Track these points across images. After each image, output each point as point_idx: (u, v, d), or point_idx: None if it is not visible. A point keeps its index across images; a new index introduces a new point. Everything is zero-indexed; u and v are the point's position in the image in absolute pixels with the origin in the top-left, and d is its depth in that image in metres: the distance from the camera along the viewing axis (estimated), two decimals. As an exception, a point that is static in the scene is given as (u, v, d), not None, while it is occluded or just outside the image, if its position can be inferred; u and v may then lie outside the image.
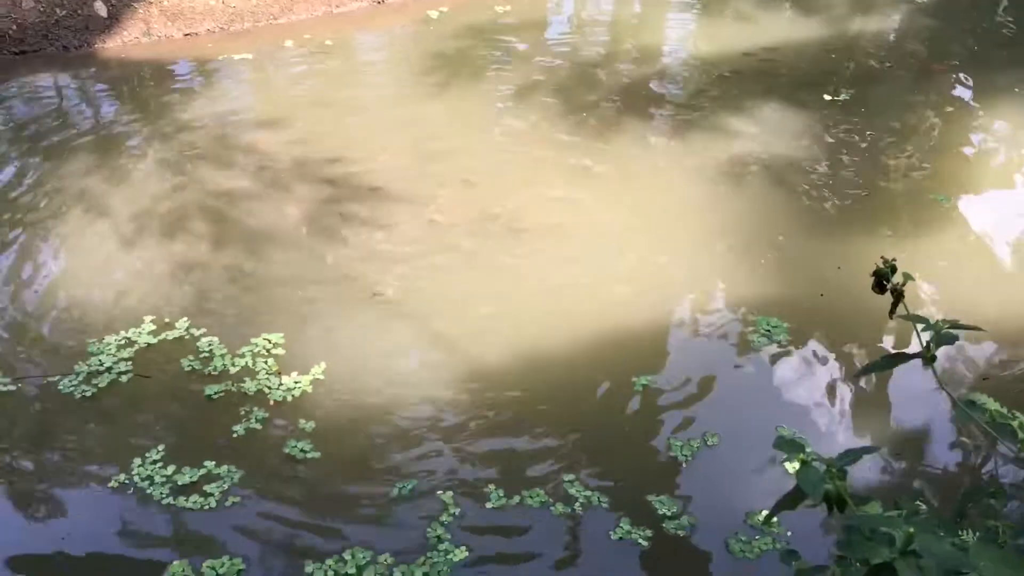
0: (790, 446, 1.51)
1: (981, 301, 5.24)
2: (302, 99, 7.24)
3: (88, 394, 4.45)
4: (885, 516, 1.39)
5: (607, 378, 4.63)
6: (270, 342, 4.75)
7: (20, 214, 5.74)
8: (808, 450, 1.58)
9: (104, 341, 4.73)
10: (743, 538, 3.83)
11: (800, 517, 3.75)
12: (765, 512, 3.90)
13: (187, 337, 4.78)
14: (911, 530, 1.28)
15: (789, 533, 3.85)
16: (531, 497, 3.97)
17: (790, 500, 1.50)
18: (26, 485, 4.04)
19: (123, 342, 4.73)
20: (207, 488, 4.00)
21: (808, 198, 6.15)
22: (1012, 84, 7.77)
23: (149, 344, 4.73)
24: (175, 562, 3.67)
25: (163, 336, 4.78)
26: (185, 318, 4.90)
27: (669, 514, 3.92)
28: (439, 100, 7.27)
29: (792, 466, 4.10)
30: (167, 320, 4.90)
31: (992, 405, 1.79)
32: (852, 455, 1.51)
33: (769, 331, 4.91)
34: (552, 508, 3.93)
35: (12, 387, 4.48)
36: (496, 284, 5.27)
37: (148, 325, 4.84)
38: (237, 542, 3.81)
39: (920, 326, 1.75)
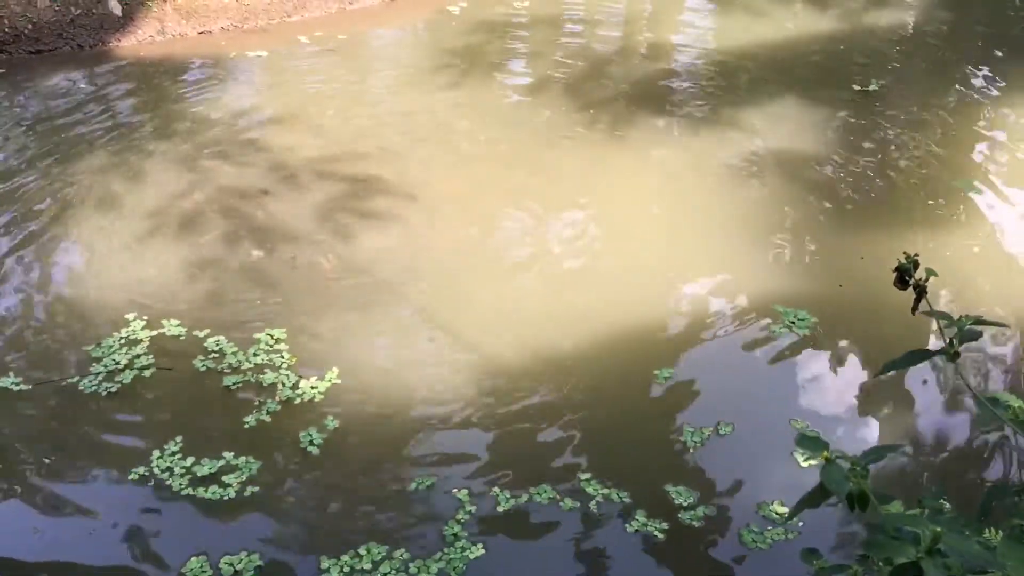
0: (813, 444, 1.50)
1: (1005, 292, 5.22)
2: (317, 96, 7.24)
3: (113, 390, 4.45)
4: (910, 515, 1.37)
5: (628, 372, 4.62)
6: (272, 337, 4.74)
7: (34, 213, 5.76)
8: (831, 448, 1.57)
9: (116, 338, 4.72)
10: (755, 528, 3.82)
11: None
12: (777, 503, 3.90)
13: (201, 334, 4.77)
14: (938, 529, 1.26)
15: (800, 524, 3.83)
16: (542, 494, 3.95)
17: (813, 498, 1.49)
18: (51, 483, 4.05)
19: (137, 340, 4.73)
20: (225, 479, 4.02)
21: (829, 191, 6.13)
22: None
23: (164, 341, 4.74)
24: (193, 558, 3.68)
25: (177, 333, 4.78)
26: (199, 315, 4.91)
27: (685, 505, 3.92)
28: (453, 97, 7.25)
29: (805, 459, 4.09)
30: (180, 318, 4.89)
31: (1015, 402, 1.76)
32: (876, 453, 1.49)
33: (793, 323, 4.89)
34: (568, 504, 3.91)
35: (27, 386, 4.49)
36: (512, 281, 5.26)
37: (162, 323, 4.85)
38: (254, 535, 3.81)
39: (943, 322, 1.73)
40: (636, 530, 3.82)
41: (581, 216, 5.81)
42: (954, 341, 1.70)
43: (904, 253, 1.74)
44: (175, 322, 4.85)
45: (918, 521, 1.32)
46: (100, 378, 4.51)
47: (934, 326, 1.80)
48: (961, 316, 1.71)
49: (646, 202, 6.00)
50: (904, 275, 1.74)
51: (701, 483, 4.04)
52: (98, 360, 4.59)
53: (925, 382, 4.57)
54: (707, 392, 4.52)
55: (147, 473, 4.04)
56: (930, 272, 1.74)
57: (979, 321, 1.71)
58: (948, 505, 1.62)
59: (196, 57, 7.85)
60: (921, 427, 4.39)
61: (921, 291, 1.74)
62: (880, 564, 1.53)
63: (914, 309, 1.78)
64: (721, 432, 4.27)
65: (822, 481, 1.41)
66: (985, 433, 4.23)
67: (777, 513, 3.88)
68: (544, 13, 8.94)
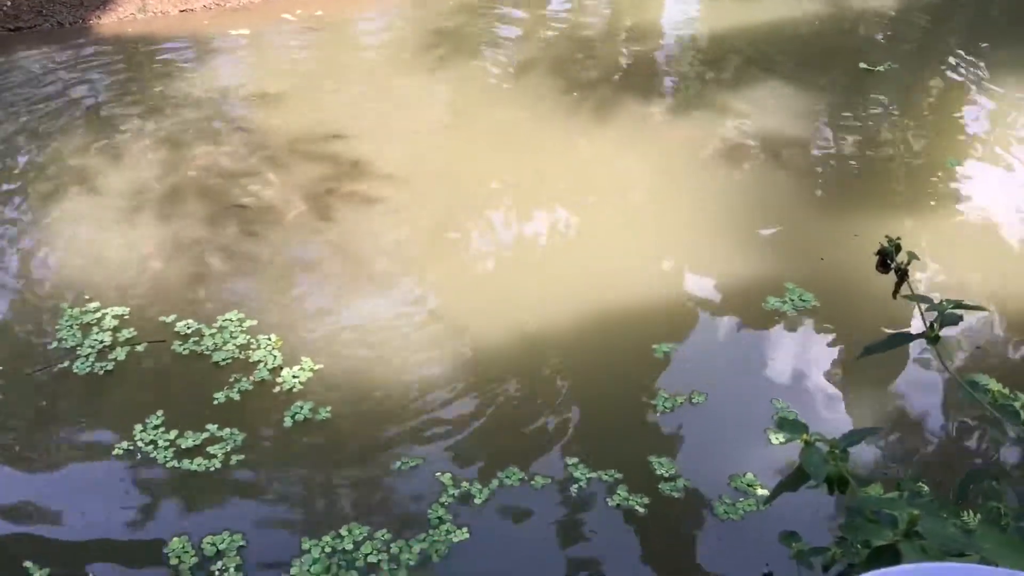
0: (792, 427, 1.50)
1: (993, 270, 5.29)
2: (300, 75, 7.18)
3: (109, 368, 4.43)
4: (888, 498, 1.37)
5: (618, 349, 4.64)
6: (252, 319, 4.71)
7: (11, 192, 5.70)
8: (811, 431, 1.57)
9: (94, 318, 4.69)
10: (727, 500, 3.86)
11: (781, 476, 3.83)
12: (749, 475, 3.96)
13: (179, 317, 4.73)
14: (915, 512, 1.27)
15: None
16: (526, 476, 3.95)
17: (792, 481, 1.49)
18: (40, 465, 4.05)
19: (117, 321, 4.69)
20: (210, 450, 4.03)
21: (822, 171, 6.17)
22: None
23: (145, 323, 4.71)
24: (175, 538, 3.67)
25: (158, 314, 4.76)
26: (180, 296, 4.88)
27: (666, 476, 3.96)
28: (437, 77, 7.21)
29: (775, 436, 4.13)
30: (161, 298, 4.87)
31: (995, 386, 1.76)
32: (855, 436, 1.49)
33: (791, 301, 4.90)
34: (554, 484, 3.92)
35: (11, 372, 4.46)
36: (500, 263, 5.25)
37: (142, 304, 4.82)
38: (236, 514, 3.82)
39: (924, 306, 1.73)
40: (618, 504, 3.84)
41: (570, 198, 5.79)
42: (935, 325, 1.70)
43: (886, 236, 1.74)
44: (158, 303, 4.83)
45: (896, 504, 1.32)
46: (92, 359, 4.48)
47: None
48: (942, 300, 1.71)
49: (635, 184, 5.98)
50: (886, 258, 1.74)
51: (681, 454, 4.09)
52: (80, 344, 4.55)
53: (906, 362, 4.61)
54: (696, 366, 4.55)
55: (132, 448, 4.04)
56: (911, 256, 1.74)
57: (960, 305, 1.72)
58: (926, 488, 1.62)
59: (177, 35, 7.77)
60: (903, 409, 4.42)
61: (903, 274, 1.74)
62: (858, 547, 1.54)
63: (895, 292, 1.79)
64: (694, 401, 4.33)
65: (801, 464, 1.42)
66: (975, 422, 4.26)
67: (748, 485, 3.93)
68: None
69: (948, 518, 1.44)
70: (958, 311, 1.72)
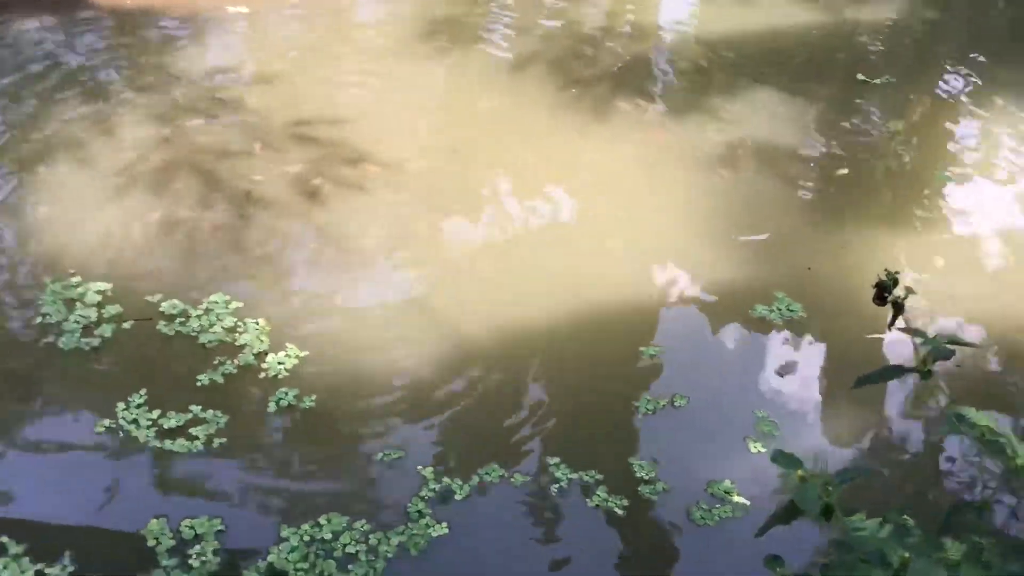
0: (787, 461, 1.52)
1: (980, 289, 5.34)
2: (298, 55, 7.13)
3: (96, 344, 4.41)
4: (879, 537, 1.39)
5: (608, 348, 4.67)
6: (239, 302, 4.67)
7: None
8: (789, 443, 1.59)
9: (82, 294, 4.66)
10: (704, 506, 3.89)
11: (757, 486, 3.95)
12: (727, 482, 3.99)
13: (163, 297, 4.70)
14: (906, 555, 1.28)
15: (748, 503, 3.89)
16: (498, 473, 3.97)
17: (785, 515, 1.51)
18: (21, 440, 4.05)
19: (100, 297, 4.66)
20: (192, 431, 4.02)
21: (813, 181, 6.19)
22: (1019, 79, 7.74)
23: (130, 301, 4.68)
24: (153, 520, 3.66)
25: (143, 293, 4.73)
26: (164, 277, 4.85)
27: (647, 478, 3.99)
28: (433, 67, 7.18)
29: (755, 445, 4.17)
30: (147, 276, 4.84)
31: (983, 420, 1.79)
32: (848, 474, 1.51)
33: (779, 310, 4.92)
34: (534, 483, 3.94)
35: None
36: (488, 258, 5.24)
37: (126, 280, 4.79)
38: (215, 499, 3.81)
39: (918, 340, 1.75)
40: (597, 505, 3.87)
41: (563, 196, 5.78)
42: (927, 360, 1.72)
43: (885, 270, 1.76)
44: (144, 281, 4.80)
45: (886, 543, 1.34)
46: (78, 335, 4.44)
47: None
48: (935, 335, 1.73)
49: (627, 184, 5.97)
50: (883, 291, 1.75)
51: (662, 457, 4.12)
52: (65, 319, 4.52)
53: (892, 386, 4.64)
54: (680, 369, 4.60)
55: (113, 426, 4.03)
56: (909, 291, 1.75)
57: (953, 340, 1.74)
58: (911, 521, 1.64)
59: (175, 10, 7.68)
60: (885, 427, 4.45)
61: (899, 308, 1.76)
62: (843, 577, 1.56)
63: (890, 325, 1.80)
64: (676, 404, 4.36)
65: (795, 500, 1.43)
66: (949, 444, 4.29)
67: (725, 492, 3.97)
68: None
69: (934, 554, 1.46)
70: (951, 346, 1.74)
